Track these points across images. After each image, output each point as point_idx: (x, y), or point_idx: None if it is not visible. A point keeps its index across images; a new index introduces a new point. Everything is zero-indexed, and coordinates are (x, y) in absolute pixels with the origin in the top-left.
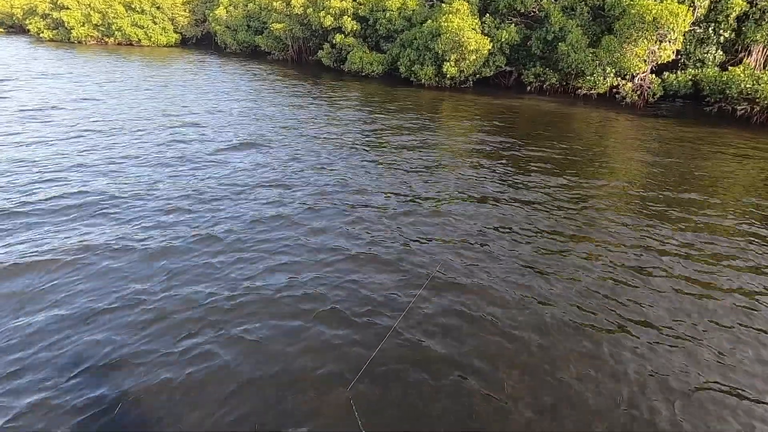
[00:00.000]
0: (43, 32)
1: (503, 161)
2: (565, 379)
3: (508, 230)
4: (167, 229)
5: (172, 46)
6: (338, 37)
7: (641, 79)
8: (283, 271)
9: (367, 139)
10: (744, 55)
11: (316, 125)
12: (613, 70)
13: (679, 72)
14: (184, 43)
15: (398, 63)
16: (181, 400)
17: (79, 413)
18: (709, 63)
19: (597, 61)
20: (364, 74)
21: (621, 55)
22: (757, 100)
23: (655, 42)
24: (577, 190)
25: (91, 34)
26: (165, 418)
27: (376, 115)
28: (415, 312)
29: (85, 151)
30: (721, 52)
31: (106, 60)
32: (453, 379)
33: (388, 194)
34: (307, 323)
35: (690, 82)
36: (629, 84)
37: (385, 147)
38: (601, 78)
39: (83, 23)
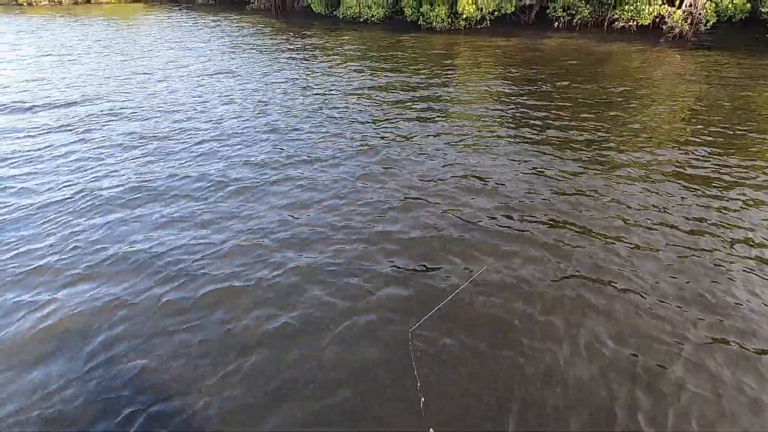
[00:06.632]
0: None
1: (538, 118)
2: None
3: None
4: None
5: (135, 0)
6: None
7: (691, 5)
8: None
9: (370, 99)
10: None
11: (312, 90)
12: None
13: None
14: None
15: (402, 4)
16: None
17: None
18: None
19: None
20: (362, 20)
21: None
22: None
23: None
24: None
25: None
26: None
27: (380, 72)
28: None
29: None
30: None
31: (62, 24)
32: None
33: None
34: None
35: (748, 5)
36: (678, 11)
37: (392, 108)
38: (646, 6)
39: None
